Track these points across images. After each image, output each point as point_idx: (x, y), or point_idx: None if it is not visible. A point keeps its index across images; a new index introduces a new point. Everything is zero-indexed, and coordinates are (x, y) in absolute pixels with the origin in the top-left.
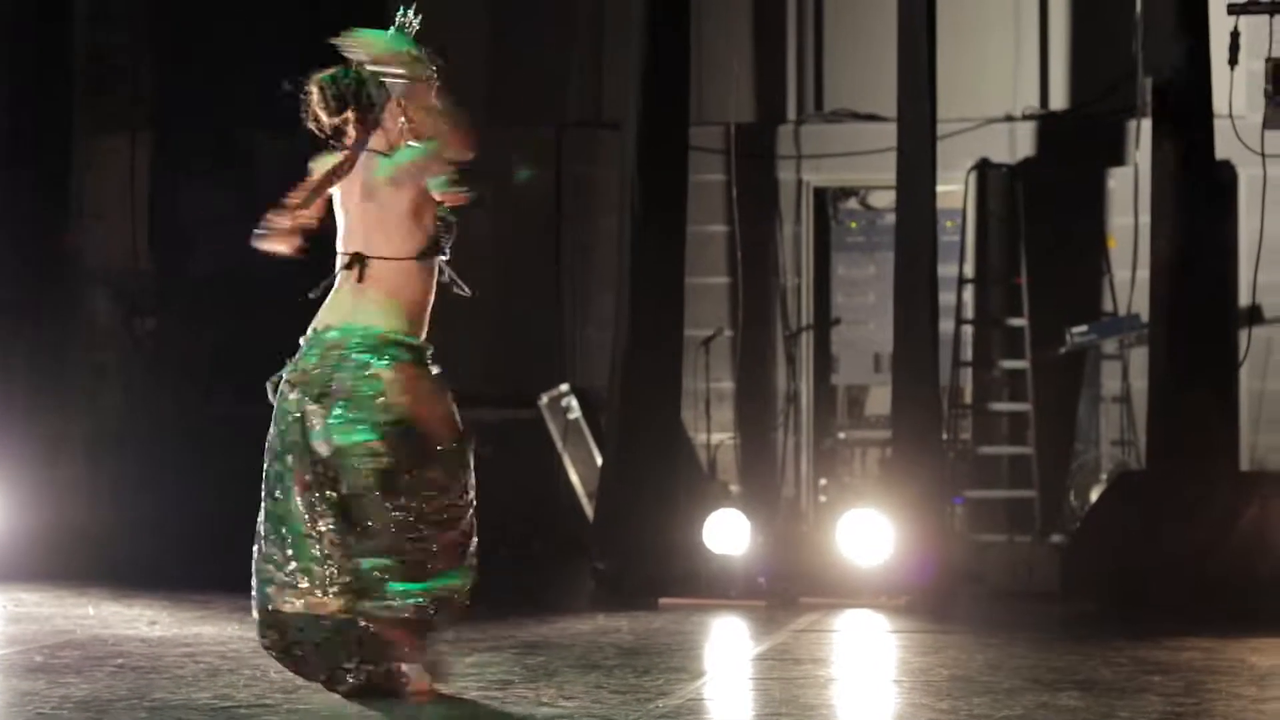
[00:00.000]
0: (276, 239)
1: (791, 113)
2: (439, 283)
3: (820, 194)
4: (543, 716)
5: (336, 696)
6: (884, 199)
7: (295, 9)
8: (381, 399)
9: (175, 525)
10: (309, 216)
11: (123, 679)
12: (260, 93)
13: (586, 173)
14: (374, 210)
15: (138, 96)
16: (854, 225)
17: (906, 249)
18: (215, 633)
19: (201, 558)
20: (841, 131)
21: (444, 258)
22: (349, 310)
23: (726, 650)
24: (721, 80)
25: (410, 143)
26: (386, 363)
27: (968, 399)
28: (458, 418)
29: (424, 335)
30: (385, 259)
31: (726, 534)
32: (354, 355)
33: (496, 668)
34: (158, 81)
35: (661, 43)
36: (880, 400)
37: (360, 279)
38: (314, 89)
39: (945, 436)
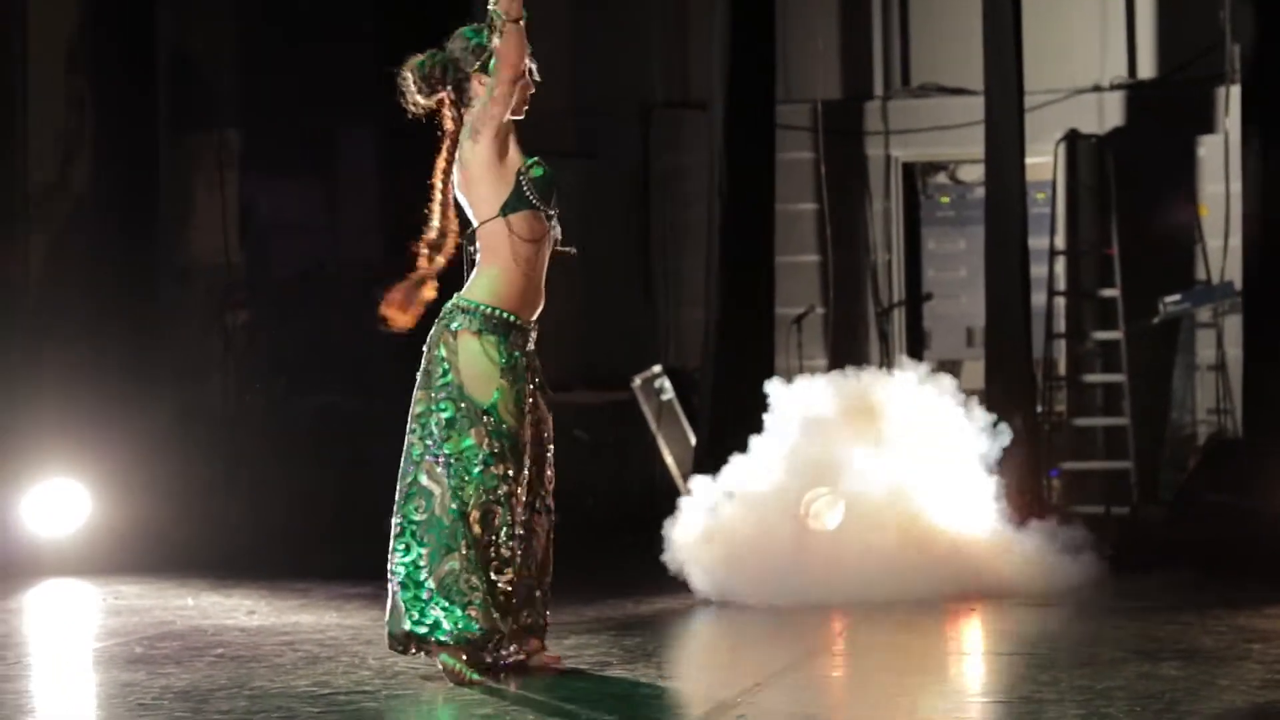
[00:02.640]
0: (395, 308)
1: (879, 88)
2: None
3: (909, 169)
4: (642, 695)
5: (436, 683)
6: (973, 173)
7: (379, 7)
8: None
9: (270, 515)
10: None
11: (222, 668)
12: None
13: (674, 154)
14: (467, 180)
15: (224, 93)
16: (945, 200)
17: (997, 222)
18: (314, 621)
19: (295, 547)
20: (929, 106)
21: (544, 210)
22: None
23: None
24: (807, 57)
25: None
26: (455, 327)
27: (1062, 371)
28: (510, 394)
29: (527, 300)
30: (481, 224)
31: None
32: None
33: (594, 649)
34: (244, 78)
35: (746, 21)
36: (974, 374)
37: (475, 252)
38: (407, 74)
39: (1040, 409)
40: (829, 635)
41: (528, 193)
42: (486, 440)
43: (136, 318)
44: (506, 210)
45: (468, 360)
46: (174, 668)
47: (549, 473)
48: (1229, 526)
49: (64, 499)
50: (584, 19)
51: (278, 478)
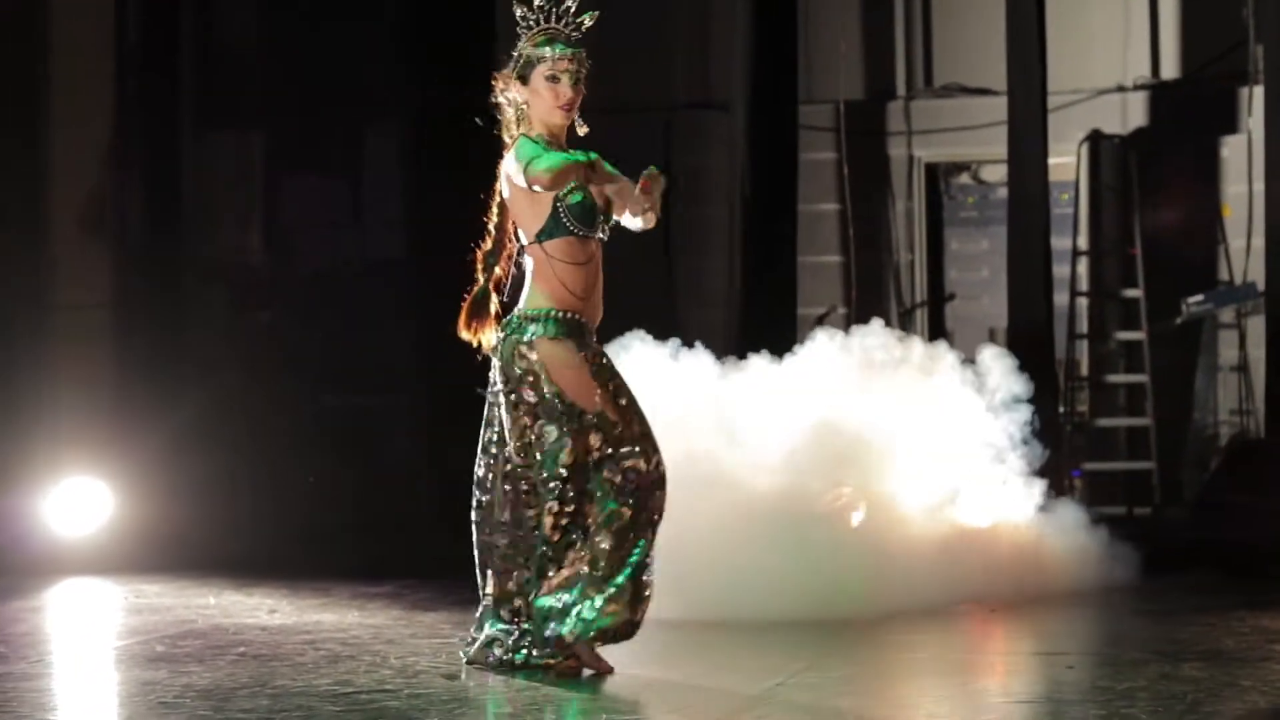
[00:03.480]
0: (468, 330)
1: (901, 88)
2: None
3: (932, 169)
4: (663, 694)
5: (457, 681)
6: (996, 173)
7: (405, 6)
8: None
9: (291, 514)
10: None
11: (244, 667)
12: (370, 87)
13: (696, 155)
14: (510, 199)
15: (249, 90)
16: (969, 200)
17: (1019, 223)
18: (335, 620)
19: (319, 547)
20: (952, 106)
21: (585, 233)
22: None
23: (835, 628)
24: (830, 58)
25: (543, 128)
26: (527, 337)
27: (1084, 371)
28: (606, 391)
29: (587, 306)
30: (526, 246)
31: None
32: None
33: (615, 648)
34: (268, 74)
35: (768, 22)
36: None
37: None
38: (496, 83)
39: (1062, 409)
40: (848, 636)
41: (565, 220)
42: (598, 440)
43: (159, 316)
44: (543, 237)
45: (557, 366)
46: (196, 666)
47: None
48: (1251, 527)
49: (85, 498)
50: (605, 19)
51: (299, 476)
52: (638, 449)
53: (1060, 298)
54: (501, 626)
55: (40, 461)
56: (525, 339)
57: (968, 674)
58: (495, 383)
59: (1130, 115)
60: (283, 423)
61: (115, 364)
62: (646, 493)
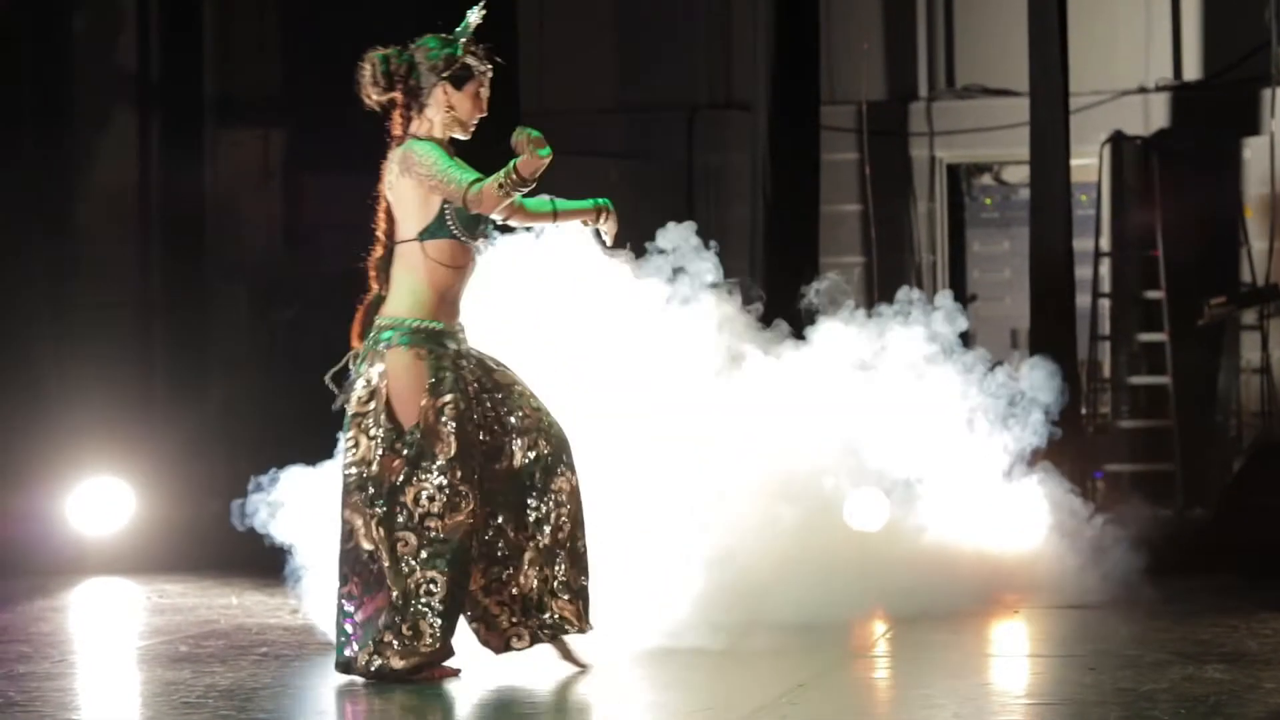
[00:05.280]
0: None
1: (923, 89)
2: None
3: (953, 170)
4: (686, 695)
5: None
6: (1017, 174)
7: (427, 5)
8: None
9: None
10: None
11: (266, 667)
12: None
13: (718, 154)
14: (395, 198)
15: (271, 89)
16: (989, 201)
17: (1041, 224)
18: None
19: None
20: (974, 107)
21: (466, 239)
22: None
23: (858, 630)
24: (852, 58)
25: (446, 134)
26: (380, 346)
27: (1106, 373)
28: (432, 409)
29: (445, 310)
30: (399, 242)
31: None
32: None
33: (636, 649)
34: (290, 74)
35: (790, 22)
36: None
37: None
38: (367, 65)
39: (1084, 411)
40: (871, 638)
41: (450, 224)
42: (406, 465)
43: (182, 314)
44: (424, 236)
45: (395, 376)
46: (219, 666)
47: (521, 460)
48: (1274, 529)
49: (108, 497)
50: (628, 20)
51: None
52: (436, 470)
53: (1082, 299)
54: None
55: (62, 461)
56: (379, 347)
57: (990, 675)
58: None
59: (1152, 116)
60: (306, 420)
61: (138, 363)
62: (439, 519)
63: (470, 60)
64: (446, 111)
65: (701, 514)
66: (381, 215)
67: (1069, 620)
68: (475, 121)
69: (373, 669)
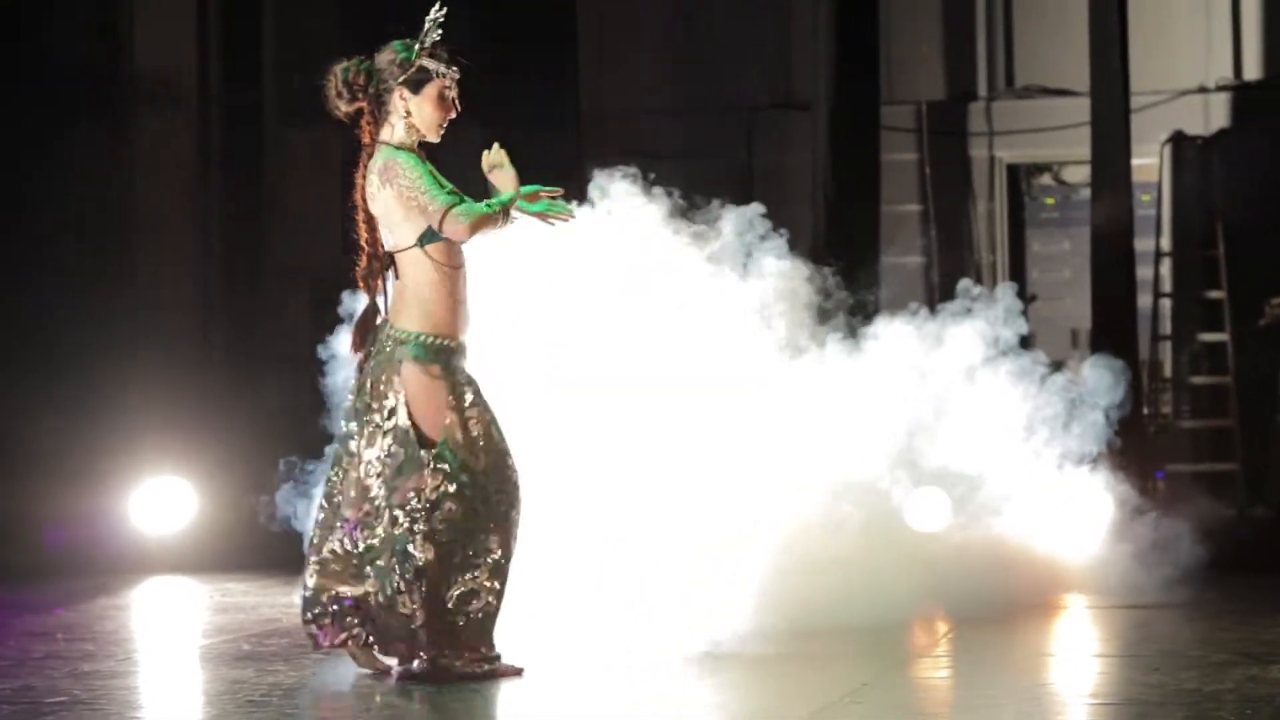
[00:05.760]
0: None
1: (983, 89)
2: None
3: (1013, 170)
4: (750, 694)
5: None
6: (1077, 174)
7: (483, 4)
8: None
9: None
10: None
11: (330, 665)
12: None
13: (777, 155)
14: (381, 210)
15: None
16: (1049, 201)
17: (1102, 224)
18: None
19: None
20: (1033, 107)
21: (458, 238)
22: (392, 307)
23: (920, 630)
24: (911, 58)
25: (414, 139)
26: (399, 360)
27: (1167, 373)
28: (452, 422)
29: (460, 322)
30: (393, 252)
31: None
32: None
33: (695, 651)
34: None
35: (850, 22)
36: None
37: (397, 275)
38: (329, 78)
39: (1145, 411)
40: (932, 639)
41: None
42: (437, 482)
43: (241, 315)
44: (424, 241)
45: (415, 393)
46: (282, 665)
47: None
48: None
49: (170, 497)
50: (688, 21)
51: None
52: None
53: (1143, 299)
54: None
55: (125, 461)
56: (395, 362)
57: (1053, 675)
58: (358, 396)
59: (1212, 116)
60: None
61: (198, 363)
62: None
63: (427, 64)
64: (405, 118)
65: (760, 513)
66: (362, 225)
67: (1131, 620)
68: (443, 124)
69: (436, 666)
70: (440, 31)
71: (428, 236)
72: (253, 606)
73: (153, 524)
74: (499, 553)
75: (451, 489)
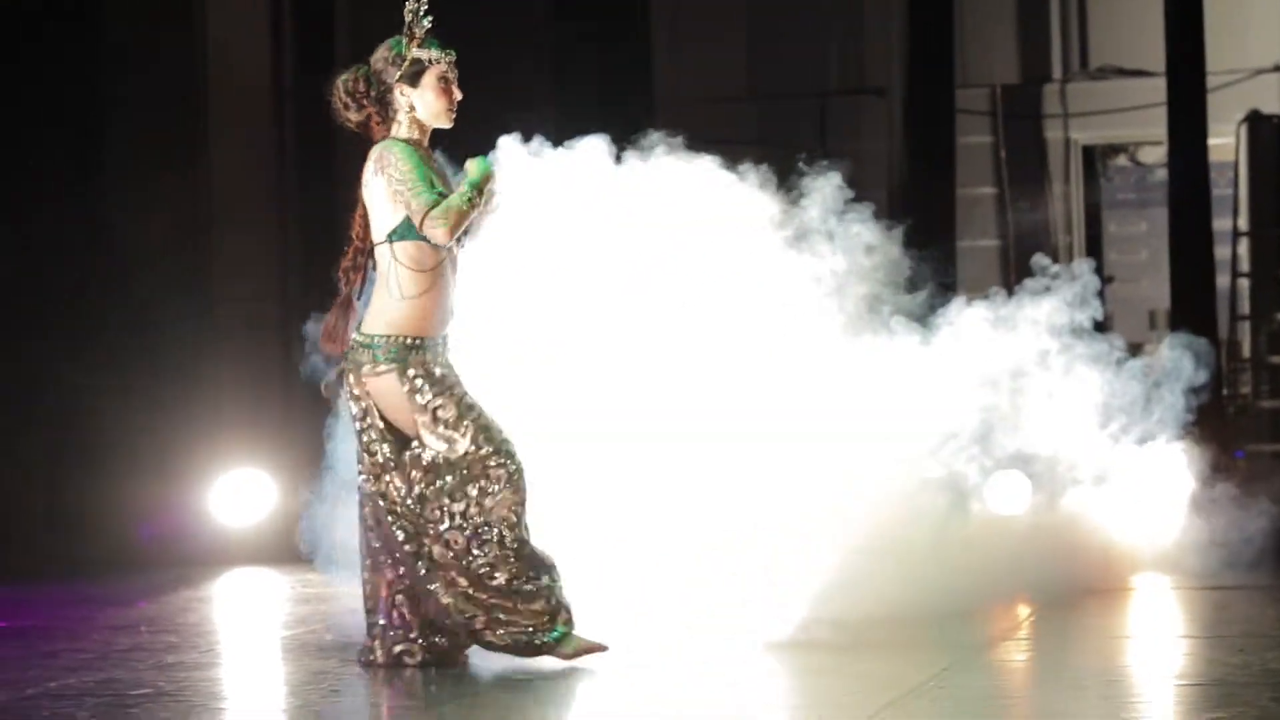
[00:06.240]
0: (328, 340)
1: (1057, 71)
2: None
3: (1089, 152)
4: (832, 677)
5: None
6: (1153, 154)
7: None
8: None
9: None
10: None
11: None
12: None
13: (851, 140)
14: (368, 197)
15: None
16: (1128, 182)
17: (1179, 204)
18: None
19: None
20: (1108, 88)
21: (439, 241)
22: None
23: (1000, 613)
24: (985, 41)
25: (425, 131)
26: (364, 370)
27: (1246, 353)
28: (429, 419)
29: (426, 320)
30: (374, 245)
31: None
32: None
33: (778, 635)
34: None
35: (924, 6)
36: None
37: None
38: (333, 93)
39: (1224, 391)
40: (1015, 622)
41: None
42: (419, 475)
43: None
44: (394, 238)
45: (382, 396)
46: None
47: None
48: None
49: (250, 489)
50: (760, 6)
51: None
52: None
53: (1221, 279)
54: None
55: (205, 453)
56: (362, 370)
57: (1137, 656)
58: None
59: None
60: None
61: (278, 355)
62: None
63: (419, 54)
64: (409, 112)
65: (838, 496)
66: (357, 216)
67: (1212, 601)
68: (450, 109)
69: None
70: (429, 18)
71: (398, 234)
72: (333, 597)
73: (233, 516)
74: (509, 533)
75: (443, 482)
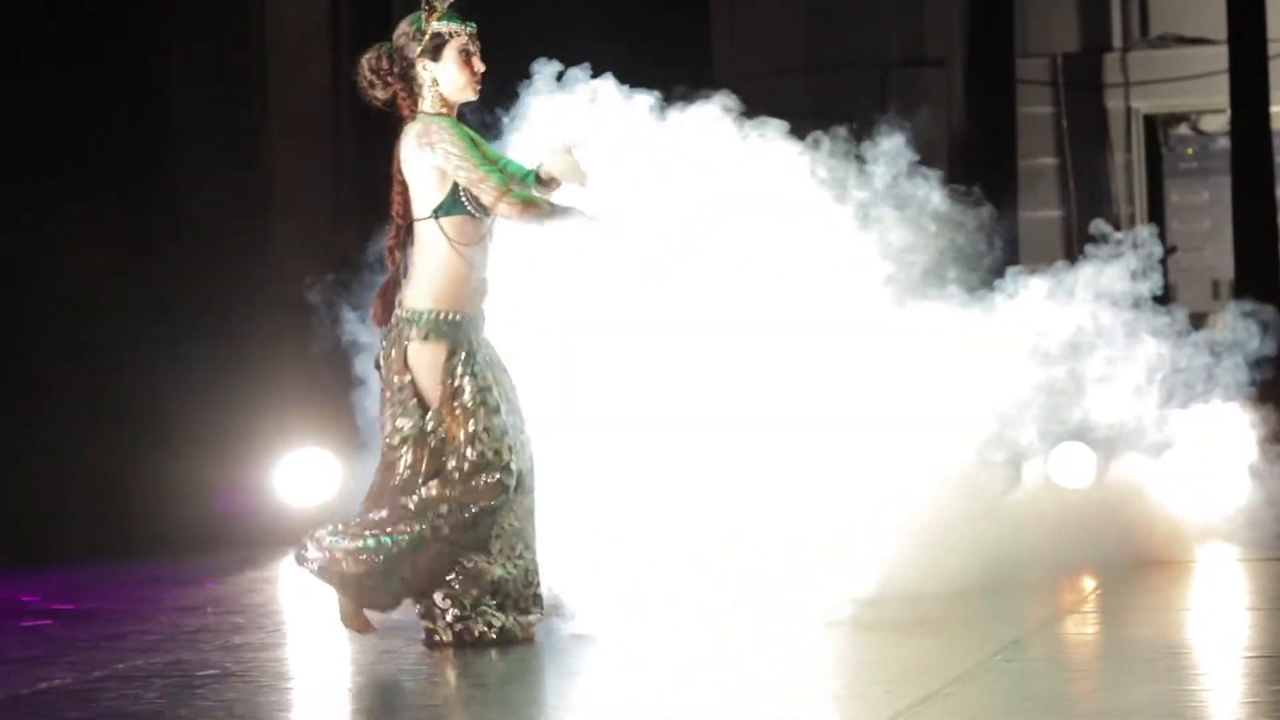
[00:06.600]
0: (378, 316)
1: (1118, 40)
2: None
3: (1150, 121)
4: (900, 654)
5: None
6: (1215, 123)
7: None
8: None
9: None
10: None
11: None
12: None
13: (911, 113)
14: (408, 174)
15: None
16: (1190, 151)
17: (1242, 173)
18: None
19: None
20: (1169, 57)
21: (480, 216)
22: (406, 281)
23: (1067, 587)
24: (1046, 10)
25: (452, 105)
26: (406, 340)
27: None
28: (448, 397)
29: (468, 295)
30: (417, 220)
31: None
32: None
33: (848, 613)
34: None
35: None
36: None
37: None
38: (358, 72)
39: None
40: (1081, 595)
41: (464, 199)
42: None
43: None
44: (440, 213)
45: (417, 368)
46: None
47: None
48: None
49: (315, 469)
50: None
51: None
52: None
53: None
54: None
55: (269, 434)
56: (407, 344)
57: (1203, 629)
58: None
59: None
60: None
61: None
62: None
63: (438, 28)
64: (434, 87)
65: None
66: (396, 194)
67: (1276, 573)
68: (476, 81)
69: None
70: None
71: (445, 208)
72: None
73: (298, 496)
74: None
75: (446, 464)
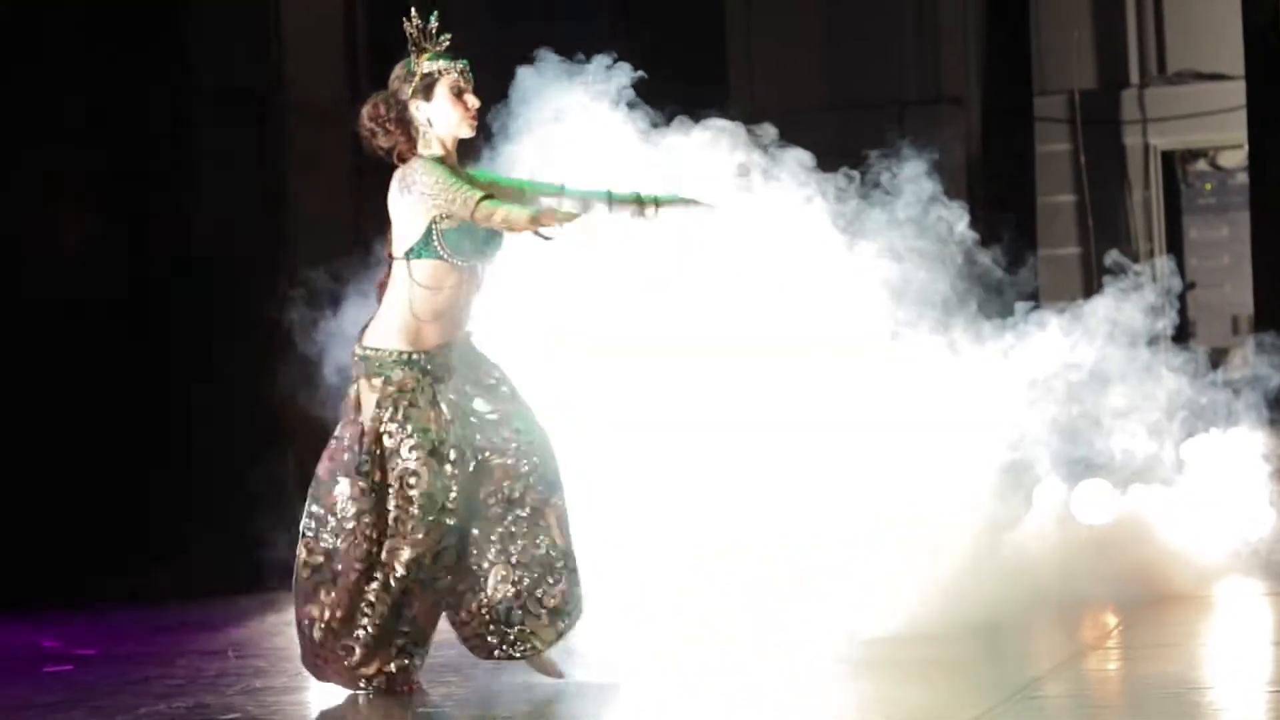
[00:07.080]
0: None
1: (1135, 76)
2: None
3: (1168, 157)
4: (925, 687)
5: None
6: (1234, 158)
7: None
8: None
9: None
10: None
11: (497, 675)
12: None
13: (929, 150)
14: (392, 211)
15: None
16: (1208, 187)
17: (1261, 208)
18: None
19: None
20: (1186, 93)
21: (455, 260)
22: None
23: (1089, 622)
24: (1062, 48)
25: (449, 144)
26: (356, 376)
27: None
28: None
29: (430, 334)
30: (393, 260)
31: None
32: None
33: (869, 644)
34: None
35: (1000, 14)
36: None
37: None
38: (359, 124)
39: None
40: (1103, 630)
41: (436, 244)
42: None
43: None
44: (411, 255)
45: (366, 407)
46: (453, 676)
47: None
48: None
49: None
50: (836, 16)
51: None
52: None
53: None
54: None
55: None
56: (354, 379)
57: (1229, 663)
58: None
59: None
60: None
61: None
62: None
63: (427, 67)
64: (429, 128)
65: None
66: (387, 233)
67: None
68: (470, 116)
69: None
70: (446, 36)
71: (415, 252)
72: None
73: None
74: (399, 570)
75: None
